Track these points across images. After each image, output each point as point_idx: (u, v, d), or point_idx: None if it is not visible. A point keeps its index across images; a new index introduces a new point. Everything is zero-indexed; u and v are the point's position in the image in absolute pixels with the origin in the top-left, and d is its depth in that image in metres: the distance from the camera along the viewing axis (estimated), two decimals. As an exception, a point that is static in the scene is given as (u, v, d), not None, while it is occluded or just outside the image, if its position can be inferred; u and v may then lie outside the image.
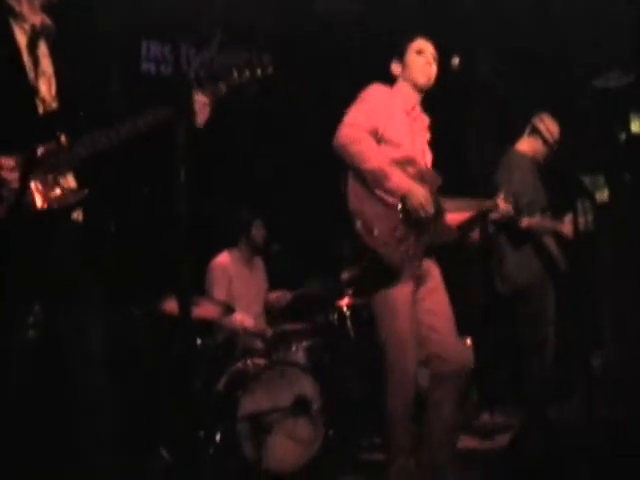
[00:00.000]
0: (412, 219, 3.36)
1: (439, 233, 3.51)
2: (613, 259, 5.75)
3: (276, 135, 5.72)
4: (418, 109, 3.64)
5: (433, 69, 3.58)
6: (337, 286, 5.00)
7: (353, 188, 3.33)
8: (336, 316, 4.86)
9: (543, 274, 4.80)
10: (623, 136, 6.57)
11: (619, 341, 5.54)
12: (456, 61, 3.53)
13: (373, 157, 3.31)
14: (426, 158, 3.67)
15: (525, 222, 4.68)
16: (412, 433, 3.42)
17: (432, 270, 3.54)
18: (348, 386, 4.76)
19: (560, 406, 4.88)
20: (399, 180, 3.34)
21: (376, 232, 3.27)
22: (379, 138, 3.43)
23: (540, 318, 4.81)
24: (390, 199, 3.34)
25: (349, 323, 4.89)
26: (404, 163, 3.46)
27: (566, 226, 4.71)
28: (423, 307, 3.47)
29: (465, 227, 3.72)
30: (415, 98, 3.62)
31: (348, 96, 3.53)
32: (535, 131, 4.65)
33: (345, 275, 5.00)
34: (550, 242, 4.85)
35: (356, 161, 3.31)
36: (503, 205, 3.81)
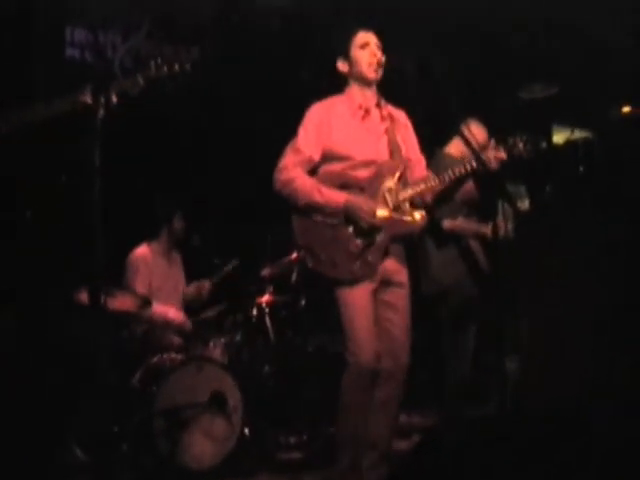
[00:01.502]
0: (360, 229, 3.45)
1: (400, 226, 3.55)
2: (533, 267, 5.86)
3: (201, 126, 5.66)
4: (368, 104, 3.61)
5: (380, 59, 3.54)
6: (257, 282, 4.97)
7: (298, 224, 3.52)
8: (255, 313, 4.82)
9: (467, 277, 4.87)
10: (544, 146, 6.73)
11: (536, 346, 5.65)
12: None
13: (302, 194, 3.47)
14: (383, 149, 3.61)
15: (447, 224, 4.75)
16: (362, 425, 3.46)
17: (400, 269, 3.59)
18: (266, 384, 4.72)
19: (476, 407, 4.96)
20: (330, 200, 3.45)
21: (323, 258, 3.44)
22: (323, 159, 3.54)
23: (462, 320, 4.88)
24: (333, 221, 3.46)
25: (268, 320, 4.87)
26: (353, 170, 3.53)
27: (489, 229, 4.78)
28: (383, 303, 3.54)
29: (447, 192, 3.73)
30: (365, 95, 3.60)
31: (283, 89, 3.54)
32: (462, 135, 4.71)
33: (266, 272, 4.97)
34: (476, 246, 4.92)
35: (292, 201, 3.50)
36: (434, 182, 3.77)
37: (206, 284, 5.10)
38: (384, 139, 3.61)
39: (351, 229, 3.45)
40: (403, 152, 3.63)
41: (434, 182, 3.57)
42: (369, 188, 3.50)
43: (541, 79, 6.58)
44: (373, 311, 3.49)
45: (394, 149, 3.60)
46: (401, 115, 3.73)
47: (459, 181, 3.69)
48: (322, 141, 3.51)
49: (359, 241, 3.45)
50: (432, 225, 4.76)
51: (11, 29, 4.81)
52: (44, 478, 3.82)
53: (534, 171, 6.62)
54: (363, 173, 3.52)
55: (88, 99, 2.72)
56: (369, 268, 3.45)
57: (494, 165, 3.65)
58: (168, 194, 5.11)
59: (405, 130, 3.71)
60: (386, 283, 3.54)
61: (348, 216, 3.43)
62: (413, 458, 4.19)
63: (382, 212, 3.47)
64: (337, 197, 3.45)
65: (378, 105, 3.63)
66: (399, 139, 3.63)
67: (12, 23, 4.82)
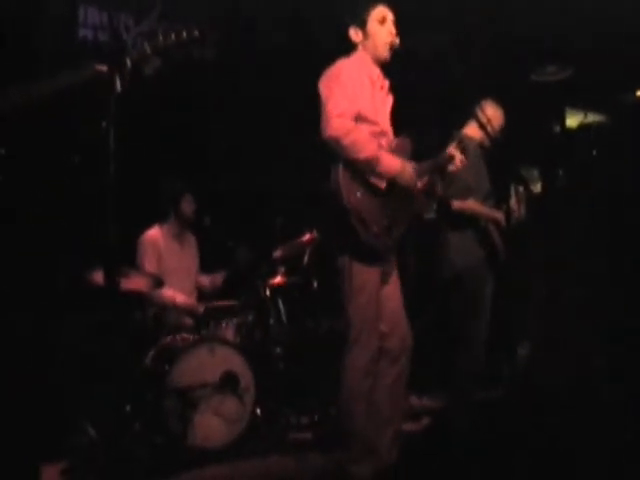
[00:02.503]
0: (399, 201, 3.40)
1: (416, 204, 3.56)
2: (544, 252, 5.85)
3: (210, 107, 5.65)
4: (380, 75, 3.58)
5: (396, 40, 3.50)
6: (269, 263, 4.97)
7: (346, 182, 3.30)
8: (268, 294, 4.83)
9: (484, 262, 4.86)
10: (558, 130, 6.71)
11: (544, 333, 5.66)
12: None
13: (366, 146, 3.30)
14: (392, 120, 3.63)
15: (456, 204, 4.73)
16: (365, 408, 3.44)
17: None
18: (277, 365, 4.74)
19: (487, 392, 4.97)
20: (390, 162, 3.36)
21: (368, 223, 3.30)
22: (358, 117, 3.40)
23: (475, 306, 4.87)
24: (381, 184, 3.36)
25: (280, 302, 4.88)
26: (379, 136, 3.47)
27: (500, 214, 4.78)
28: (384, 285, 3.53)
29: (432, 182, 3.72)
30: (376, 66, 3.57)
31: (290, 73, 3.49)
32: (477, 118, 4.69)
33: (278, 253, 4.97)
34: (494, 231, 4.90)
35: (351, 152, 3.27)
36: (457, 154, 3.71)
37: (219, 277, 5.12)
38: (387, 109, 3.62)
39: (388, 201, 3.38)
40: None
41: (426, 165, 3.60)
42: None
43: (554, 62, 6.53)
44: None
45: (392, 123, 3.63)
46: (387, 84, 3.67)
47: (436, 175, 3.70)
48: (359, 101, 3.39)
49: (391, 215, 3.39)
50: (443, 208, 4.78)
51: (24, 9, 4.81)
52: (58, 456, 3.86)
53: (547, 155, 6.61)
54: (384, 141, 3.50)
55: (104, 69, 2.71)
56: (393, 244, 3.45)
57: (457, 167, 3.68)
58: (174, 176, 5.09)
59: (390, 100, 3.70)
60: (388, 263, 3.54)
61: (398, 179, 3.37)
62: (423, 440, 4.24)
63: None
64: (394, 159, 3.39)
65: (384, 79, 3.62)
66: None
67: (25, 3, 4.81)
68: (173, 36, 2.84)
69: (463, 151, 3.70)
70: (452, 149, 3.66)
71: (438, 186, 3.77)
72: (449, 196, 4.70)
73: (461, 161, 3.65)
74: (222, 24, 5.34)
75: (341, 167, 3.30)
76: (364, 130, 3.36)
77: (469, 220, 4.80)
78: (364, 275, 3.41)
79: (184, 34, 2.84)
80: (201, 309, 4.75)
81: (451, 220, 4.80)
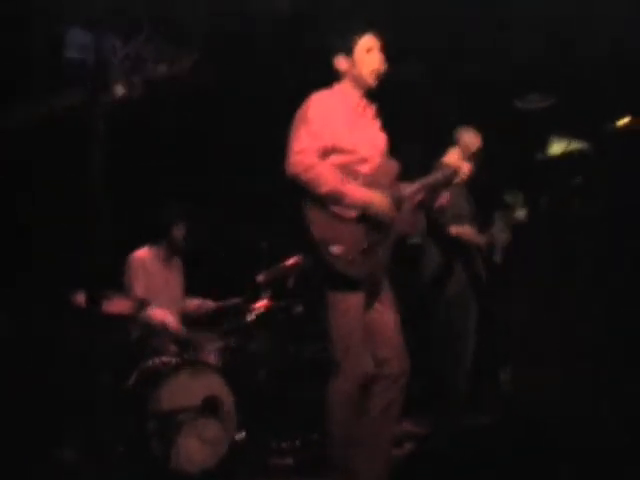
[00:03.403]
0: (376, 226, 3.40)
1: (402, 226, 3.55)
2: (527, 278, 5.89)
3: (202, 132, 5.66)
4: (363, 102, 3.60)
5: (383, 67, 3.53)
6: (254, 287, 4.97)
7: (312, 216, 3.34)
8: (251, 318, 4.82)
9: (468, 286, 4.90)
10: (541, 157, 6.77)
11: (526, 358, 5.68)
12: None
13: (326, 180, 3.32)
14: (381, 146, 3.64)
15: (454, 229, 4.79)
16: (351, 435, 3.42)
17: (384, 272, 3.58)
18: (260, 389, 4.72)
19: (471, 417, 4.97)
20: (355, 194, 3.37)
21: (339, 253, 3.31)
22: (330, 151, 3.42)
23: (461, 329, 4.91)
24: (350, 213, 3.37)
25: (264, 326, 4.87)
26: (358, 165, 3.48)
27: (484, 238, 4.82)
28: (376, 309, 3.52)
29: (427, 199, 3.73)
30: (359, 94, 3.58)
31: (280, 96, 3.50)
32: (458, 143, 4.74)
33: (261, 277, 4.97)
34: (477, 257, 4.96)
35: (312, 187, 3.31)
36: (463, 164, 3.72)
37: (210, 305, 5.11)
38: (375, 138, 3.63)
39: (365, 226, 3.39)
40: (385, 153, 3.66)
41: (422, 184, 3.62)
42: (371, 185, 3.46)
43: (538, 90, 6.60)
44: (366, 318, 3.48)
45: (381, 149, 3.63)
46: (374, 108, 3.69)
47: (436, 190, 3.72)
48: (332, 131, 3.42)
49: (371, 239, 3.40)
50: (437, 231, 4.83)
51: (10, 29, 4.81)
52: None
53: (531, 181, 6.66)
54: (365, 168, 3.50)
55: (85, 97, 2.72)
56: (378, 267, 3.45)
57: (465, 176, 3.69)
58: (170, 203, 5.12)
59: (382, 133, 3.72)
60: (376, 286, 3.53)
61: (367, 211, 3.37)
62: (406, 466, 4.22)
63: None
64: (360, 191, 3.39)
65: (369, 105, 3.64)
66: (381, 140, 3.67)
67: (11, 23, 4.81)
68: (164, 67, 2.84)
69: (467, 158, 3.71)
70: (456, 161, 3.69)
71: (440, 200, 3.80)
72: (446, 222, 4.75)
73: (468, 169, 3.68)
74: (212, 44, 5.37)
75: (307, 201, 3.35)
76: (327, 165, 3.38)
77: (459, 245, 4.85)
78: (345, 303, 3.40)
79: (174, 67, 2.85)
80: (185, 333, 4.74)
81: (442, 243, 4.84)
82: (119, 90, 2.88)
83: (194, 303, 5.18)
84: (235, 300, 5.10)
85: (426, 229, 4.97)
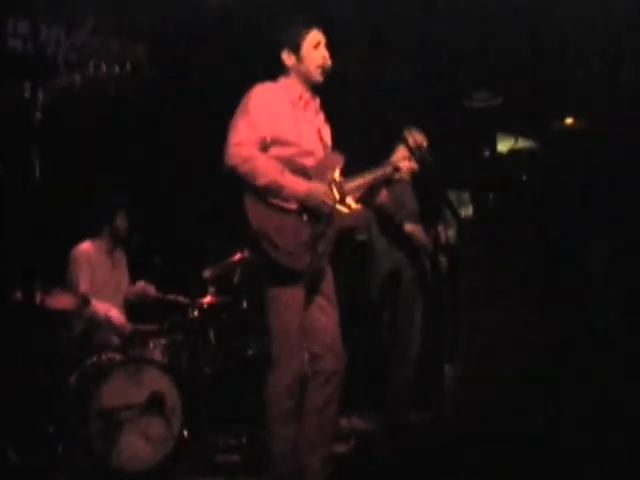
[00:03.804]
0: (316, 217, 3.39)
1: (346, 219, 3.54)
2: (475, 275, 5.94)
3: (149, 127, 5.60)
4: (306, 95, 3.57)
5: (329, 63, 3.51)
6: (199, 283, 4.93)
7: (251, 207, 3.32)
8: (196, 314, 4.79)
9: (414, 283, 4.94)
10: (488, 155, 6.85)
11: (473, 354, 5.73)
12: None
13: (264, 172, 3.30)
14: (325, 139, 3.63)
15: (409, 227, 4.83)
16: (292, 431, 3.40)
17: (326, 267, 3.56)
18: (206, 386, 4.69)
19: (417, 414, 5.01)
20: (294, 185, 3.35)
21: (279, 244, 3.29)
22: (270, 142, 3.40)
23: (406, 326, 4.94)
24: (290, 205, 3.36)
25: (209, 322, 4.83)
26: (301, 157, 3.46)
27: (428, 238, 4.88)
28: (316, 304, 3.50)
29: (368, 195, 3.71)
30: (302, 88, 3.56)
31: (225, 92, 3.47)
32: (405, 143, 4.77)
33: (207, 273, 4.93)
34: (424, 255, 5.00)
35: (250, 179, 3.29)
36: (405, 163, 3.75)
37: (152, 289, 5.05)
38: (318, 131, 3.62)
39: (305, 217, 3.38)
40: (329, 146, 3.66)
41: (364, 178, 3.63)
42: (315, 177, 3.45)
43: (486, 88, 6.68)
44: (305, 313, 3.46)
45: (325, 142, 3.63)
46: (317, 102, 3.67)
47: (376, 186, 3.73)
48: (272, 123, 3.41)
49: (311, 231, 3.38)
50: (390, 228, 4.85)
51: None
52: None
53: (478, 179, 6.74)
54: (309, 161, 3.49)
55: (24, 92, 2.68)
56: (318, 260, 3.42)
57: (405, 174, 3.74)
58: (110, 193, 5.04)
59: (326, 126, 3.72)
60: (317, 281, 3.51)
61: (306, 202, 3.36)
62: (347, 462, 4.24)
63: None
64: (299, 182, 3.38)
65: (312, 99, 3.62)
66: (325, 133, 3.66)
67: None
68: (104, 68, 2.80)
69: (413, 157, 3.74)
70: (399, 158, 3.71)
71: (380, 198, 3.80)
72: (401, 219, 4.78)
73: (409, 168, 3.70)
74: (159, 38, 5.32)
75: (246, 193, 3.33)
76: (265, 157, 3.37)
77: (409, 243, 4.89)
78: (283, 297, 3.39)
79: (116, 68, 2.80)
80: (129, 328, 4.68)
81: (393, 240, 4.88)
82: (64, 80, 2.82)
83: (138, 286, 5.08)
84: (180, 297, 5.04)
85: (378, 226, 5.02)
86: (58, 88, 2.79)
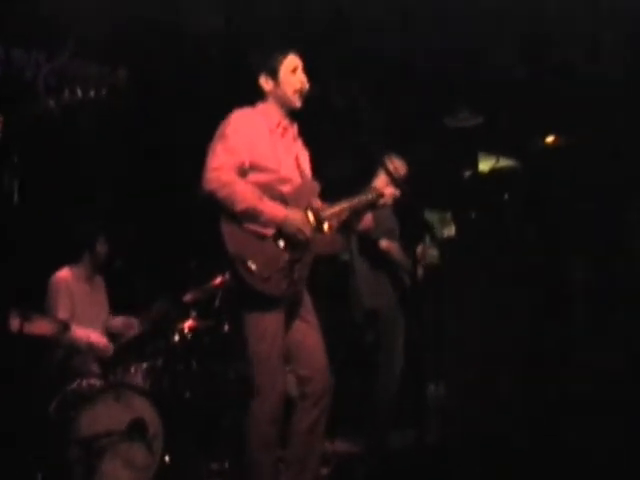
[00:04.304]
0: (293, 244, 3.39)
1: (321, 245, 3.54)
2: (459, 294, 5.95)
3: (124, 148, 5.59)
4: (285, 122, 3.58)
5: (307, 87, 3.52)
6: (180, 307, 4.90)
7: (228, 232, 3.32)
8: (178, 338, 4.75)
9: (396, 303, 4.95)
10: (469, 174, 6.88)
11: (457, 373, 5.73)
12: None
13: (243, 197, 3.31)
14: (302, 166, 3.64)
15: (384, 243, 4.87)
16: (274, 458, 3.40)
17: (304, 291, 3.57)
18: (187, 410, 4.64)
19: (399, 434, 4.99)
20: (272, 212, 3.36)
21: (255, 270, 3.28)
22: (248, 168, 3.41)
23: (389, 345, 4.94)
24: (267, 231, 3.36)
25: (191, 346, 4.80)
26: (278, 184, 3.47)
27: (407, 259, 4.90)
28: (298, 328, 3.50)
29: (352, 219, 3.73)
30: (280, 113, 3.58)
31: (207, 111, 3.47)
32: (385, 170, 4.80)
33: (188, 297, 4.91)
34: (404, 275, 5.02)
35: (228, 204, 3.30)
36: (389, 189, 3.76)
37: (134, 323, 5.00)
38: (296, 158, 3.63)
39: (282, 243, 3.38)
40: (308, 173, 3.67)
41: (347, 204, 3.64)
42: (292, 204, 3.46)
43: (467, 108, 6.71)
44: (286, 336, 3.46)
45: (303, 169, 3.63)
46: (295, 128, 3.69)
47: (360, 212, 3.75)
48: (251, 149, 3.41)
49: (288, 257, 3.38)
50: (368, 246, 4.87)
51: None
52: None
53: (459, 198, 6.76)
54: (286, 188, 3.49)
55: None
56: (294, 285, 3.41)
57: (389, 200, 3.74)
58: (90, 218, 5.02)
59: (304, 152, 3.73)
60: (296, 306, 3.51)
61: (283, 229, 3.37)
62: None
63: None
64: (277, 208, 3.38)
65: (291, 125, 3.64)
66: (303, 160, 3.67)
67: None
68: (79, 93, 2.79)
69: (393, 183, 3.76)
70: (382, 184, 3.72)
71: (364, 223, 3.81)
72: (377, 236, 4.81)
73: (393, 194, 3.71)
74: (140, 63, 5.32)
75: (223, 217, 3.33)
76: (243, 182, 3.37)
77: (387, 262, 4.90)
78: (262, 323, 3.38)
79: (92, 93, 2.80)
80: (111, 350, 4.64)
81: (372, 259, 4.89)
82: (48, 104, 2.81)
83: (118, 321, 5.05)
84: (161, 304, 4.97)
85: (357, 245, 5.03)
86: (33, 114, 2.78)
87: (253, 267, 3.28)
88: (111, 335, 4.96)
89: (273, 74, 3.53)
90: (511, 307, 5.79)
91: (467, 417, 5.24)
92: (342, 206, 3.65)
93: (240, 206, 3.30)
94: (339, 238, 3.72)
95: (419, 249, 4.95)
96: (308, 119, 3.65)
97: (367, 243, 4.94)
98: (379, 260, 4.96)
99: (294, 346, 3.49)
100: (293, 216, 3.40)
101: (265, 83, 3.56)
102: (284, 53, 3.54)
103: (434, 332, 5.27)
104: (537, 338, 5.39)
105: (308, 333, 3.54)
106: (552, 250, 5.84)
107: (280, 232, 3.38)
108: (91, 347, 4.59)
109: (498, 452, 4.40)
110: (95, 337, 4.63)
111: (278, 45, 3.59)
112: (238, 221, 3.33)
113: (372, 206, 3.76)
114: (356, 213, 3.73)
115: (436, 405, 5.36)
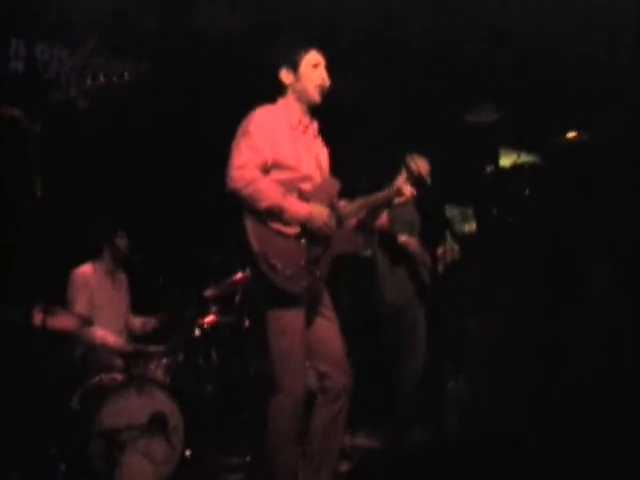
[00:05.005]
0: (316, 241, 3.42)
1: (341, 243, 3.56)
2: (479, 290, 5.94)
3: (143, 143, 5.60)
4: (305, 120, 3.60)
5: (327, 84, 3.53)
6: (200, 302, 4.92)
7: (253, 229, 3.34)
8: (198, 333, 4.77)
9: (415, 299, 4.95)
10: (491, 170, 6.84)
11: (478, 366, 5.72)
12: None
13: (267, 195, 3.32)
14: (322, 164, 3.65)
15: (403, 238, 4.85)
16: (294, 453, 3.42)
17: (323, 288, 3.59)
18: (208, 405, 4.67)
19: (419, 429, 4.99)
20: (295, 209, 3.38)
21: (279, 267, 3.31)
22: (270, 166, 3.43)
23: (410, 340, 4.94)
24: (290, 230, 3.39)
25: (211, 342, 4.82)
26: (300, 182, 3.48)
27: (428, 259, 4.90)
28: (317, 325, 3.52)
29: (369, 217, 3.74)
30: (301, 110, 3.58)
31: (225, 112, 3.48)
32: (407, 169, 4.79)
33: (209, 292, 4.93)
34: (423, 271, 5.01)
35: (252, 202, 3.32)
36: (406, 187, 3.74)
37: (152, 321, 5.04)
38: (316, 156, 3.64)
39: (304, 242, 3.41)
40: (327, 171, 3.68)
41: (364, 201, 3.65)
42: (313, 202, 3.47)
43: (488, 103, 6.68)
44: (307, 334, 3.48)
45: (323, 167, 3.65)
46: (316, 125, 3.70)
47: (376, 209, 3.75)
48: (273, 146, 3.42)
49: (310, 255, 3.41)
50: (387, 241, 4.86)
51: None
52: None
53: (481, 194, 6.73)
54: (306, 186, 3.51)
55: (15, 112, 2.69)
56: (315, 283, 3.44)
57: (406, 199, 3.73)
58: (106, 214, 5.04)
59: (324, 150, 3.74)
60: (316, 303, 3.53)
61: (308, 226, 3.39)
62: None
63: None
64: (300, 205, 3.40)
65: (311, 123, 3.65)
66: (323, 158, 3.68)
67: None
68: (102, 78, 2.81)
69: (414, 183, 3.75)
70: (401, 182, 3.71)
71: (380, 221, 3.80)
72: (396, 230, 4.80)
73: (411, 192, 3.70)
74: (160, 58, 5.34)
75: (247, 214, 3.35)
76: (267, 180, 3.38)
77: (407, 257, 4.90)
78: (283, 319, 3.40)
79: (114, 77, 2.82)
80: (130, 349, 4.67)
81: (391, 254, 4.89)
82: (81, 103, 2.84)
83: (138, 321, 5.10)
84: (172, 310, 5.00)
85: (378, 242, 5.03)
86: (55, 101, 2.80)
87: (277, 264, 3.30)
88: (131, 333, 5.00)
89: (294, 68, 3.54)
90: (532, 304, 5.77)
91: (486, 413, 5.23)
92: (360, 203, 3.66)
93: (264, 203, 3.32)
94: (358, 236, 3.73)
95: (440, 249, 4.94)
96: (329, 118, 3.65)
97: (386, 238, 4.94)
98: (399, 255, 4.96)
99: (314, 342, 3.50)
100: (317, 211, 3.43)
101: (285, 77, 3.57)
102: (306, 48, 3.55)
103: (454, 328, 5.28)
104: (557, 335, 5.37)
105: (328, 329, 3.57)
106: (573, 245, 5.81)
107: (304, 230, 3.40)
108: (108, 347, 4.62)
109: (516, 449, 4.40)
110: (111, 340, 4.66)
111: (301, 40, 3.59)
112: (262, 218, 3.35)
113: (388, 204, 3.75)
114: (372, 210, 3.73)
115: (456, 401, 5.35)
